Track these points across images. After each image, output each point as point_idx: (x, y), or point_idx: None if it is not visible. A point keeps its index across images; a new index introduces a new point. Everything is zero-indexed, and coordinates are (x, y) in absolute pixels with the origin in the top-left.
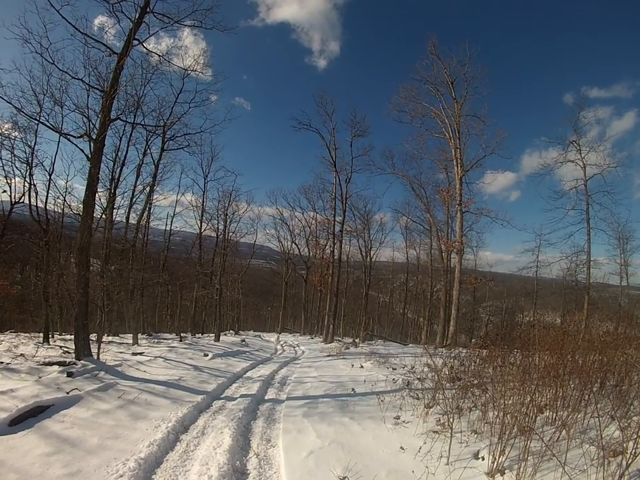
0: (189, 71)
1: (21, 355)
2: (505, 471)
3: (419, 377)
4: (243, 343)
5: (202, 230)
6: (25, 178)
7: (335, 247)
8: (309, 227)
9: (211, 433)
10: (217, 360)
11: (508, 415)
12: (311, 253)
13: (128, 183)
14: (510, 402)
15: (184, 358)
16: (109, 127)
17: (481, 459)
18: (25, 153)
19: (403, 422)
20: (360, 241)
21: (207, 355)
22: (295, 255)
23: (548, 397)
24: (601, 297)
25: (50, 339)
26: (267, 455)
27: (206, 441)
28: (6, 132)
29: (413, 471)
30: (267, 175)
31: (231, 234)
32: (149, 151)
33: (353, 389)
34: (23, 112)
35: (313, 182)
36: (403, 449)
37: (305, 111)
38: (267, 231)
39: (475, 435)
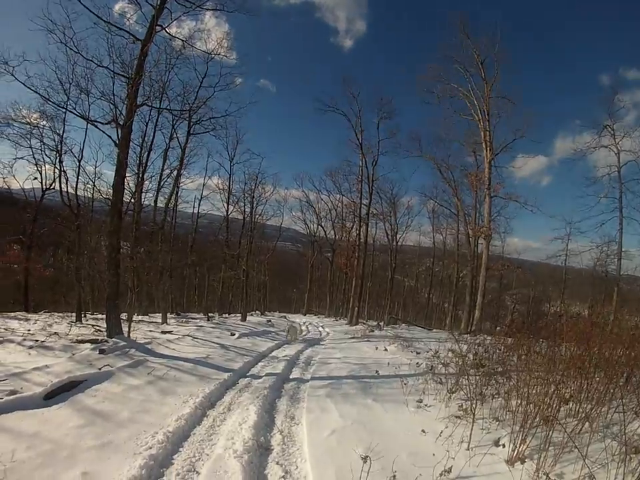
0: (213, 55)
1: (55, 333)
2: (525, 460)
3: (442, 361)
4: (269, 323)
5: (229, 212)
6: (55, 165)
7: (361, 229)
8: (335, 210)
9: (236, 409)
10: (244, 339)
11: (531, 404)
12: (337, 236)
13: (155, 168)
14: (533, 391)
15: (211, 337)
16: (136, 113)
17: (501, 446)
18: (54, 141)
19: (425, 406)
20: (386, 225)
21: (234, 334)
22: (321, 237)
23: (572, 388)
24: (631, 290)
25: (82, 318)
26: (290, 432)
27: (232, 417)
28: (34, 121)
29: (433, 454)
30: (293, 157)
31: (257, 216)
32: (175, 136)
33: (376, 371)
34: (51, 101)
35: (339, 164)
36: (424, 432)
37: (331, 92)
38: (293, 214)
39: (497, 423)
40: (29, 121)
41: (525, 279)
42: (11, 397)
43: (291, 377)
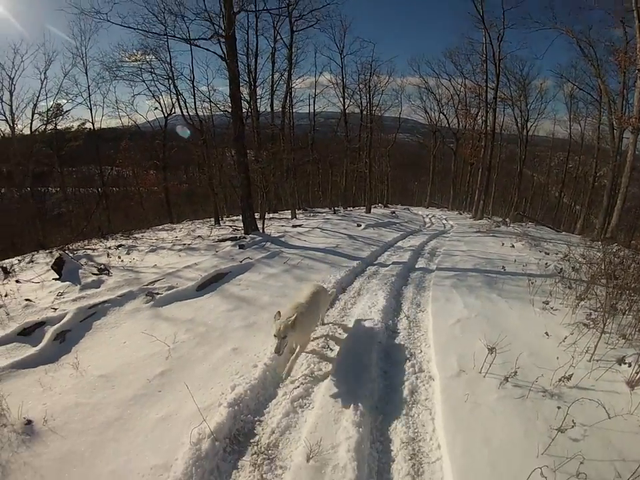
0: None
1: (199, 236)
2: None
3: (573, 266)
4: (393, 214)
5: (345, 107)
6: (170, 91)
7: (488, 116)
8: (458, 95)
9: (365, 294)
10: (369, 230)
11: None
12: (461, 124)
13: (265, 74)
14: None
15: (338, 228)
16: (235, 22)
17: (626, 365)
18: (165, 70)
19: (551, 308)
20: (515, 111)
21: (360, 226)
22: (443, 126)
23: None
24: None
25: (220, 222)
26: (416, 318)
27: (361, 301)
28: (140, 58)
29: (557, 358)
30: (407, 40)
31: (374, 108)
32: (279, 37)
33: (502, 267)
34: (151, 33)
35: (459, 43)
36: (547, 334)
37: None
38: (412, 102)
39: (623, 340)
40: (136, 58)
41: None
42: (170, 291)
43: (416, 266)
